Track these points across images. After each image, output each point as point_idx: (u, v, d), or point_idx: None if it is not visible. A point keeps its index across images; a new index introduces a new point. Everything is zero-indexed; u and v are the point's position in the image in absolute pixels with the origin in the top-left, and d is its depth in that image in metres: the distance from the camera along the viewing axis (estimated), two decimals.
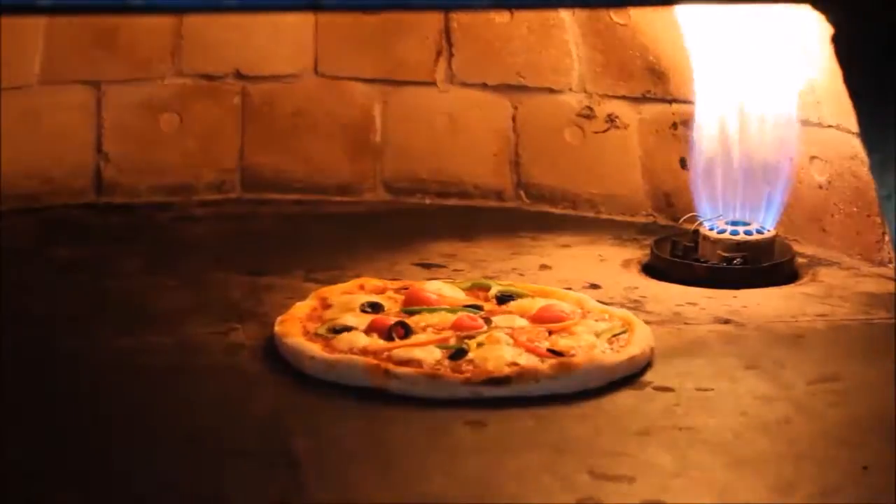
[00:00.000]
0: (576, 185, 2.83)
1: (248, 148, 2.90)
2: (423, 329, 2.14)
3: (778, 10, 2.43)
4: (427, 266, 2.53)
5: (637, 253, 2.61)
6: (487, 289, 2.30)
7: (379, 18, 2.81)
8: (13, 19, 2.53)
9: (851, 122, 2.26)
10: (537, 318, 2.18)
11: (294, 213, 2.83)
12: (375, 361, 2.02)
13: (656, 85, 2.74)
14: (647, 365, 2.10)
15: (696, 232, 2.53)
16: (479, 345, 2.07)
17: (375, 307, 2.21)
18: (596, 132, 2.81)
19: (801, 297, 2.42)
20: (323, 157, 2.90)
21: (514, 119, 2.85)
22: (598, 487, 1.76)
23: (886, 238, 2.45)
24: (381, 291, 2.29)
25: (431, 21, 2.84)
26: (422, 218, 2.81)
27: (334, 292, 2.28)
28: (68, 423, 1.91)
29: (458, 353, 2.05)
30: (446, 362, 2.03)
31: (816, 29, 2.12)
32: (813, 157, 2.57)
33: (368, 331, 2.12)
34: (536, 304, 2.24)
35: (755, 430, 1.92)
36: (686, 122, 2.65)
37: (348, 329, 2.13)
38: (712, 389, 2.04)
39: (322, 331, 2.13)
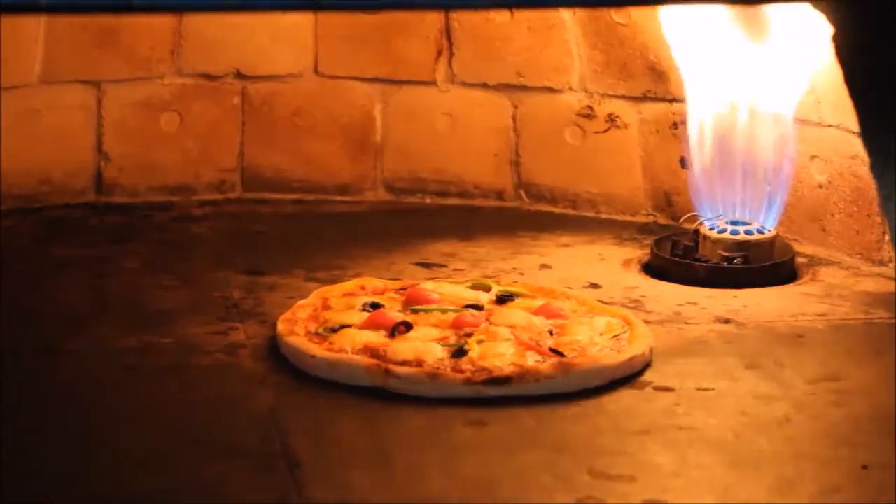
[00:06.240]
0: (576, 184, 2.83)
1: (248, 148, 2.89)
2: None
3: (778, 10, 2.43)
4: (427, 266, 2.53)
5: (637, 253, 2.61)
6: (488, 289, 2.30)
7: (379, 18, 2.81)
8: (13, 19, 2.53)
9: (851, 121, 2.26)
10: (536, 315, 2.18)
11: (294, 213, 2.83)
12: (376, 361, 2.02)
13: (656, 85, 2.73)
14: (646, 365, 2.10)
15: (697, 232, 2.53)
16: (480, 342, 2.07)
17: (376, 308, 2.21)
18: (596, 132, 2.81)
19: (801, 296, 2.42)
20: (323, 157, 2.90)
21: (514, 119, 2.85)
22: (598, 487, 1.75)
23: (886, 238, 2.45)
24: (382, 292, 2.29)
25: (431, 21, 2.84)
26: (422, 218, 2.81)
27: (335, 293, 2.28)
28: (68, 422, 1.91)
29: (458, 352, 2.05)
30: (447, 361, 2.03)
31: (816, 28, 2.12)
32: (813, 157, 2.57)
33: (367, 325, 2.12)
34: (537, 304, 2.24)
35: (755, 430, 1.92)
36: (686, 121, 2.65)
37: (346, 326, 2.13)
38: (712, 389, 2.04)
39: (321, 330, 2.13)
